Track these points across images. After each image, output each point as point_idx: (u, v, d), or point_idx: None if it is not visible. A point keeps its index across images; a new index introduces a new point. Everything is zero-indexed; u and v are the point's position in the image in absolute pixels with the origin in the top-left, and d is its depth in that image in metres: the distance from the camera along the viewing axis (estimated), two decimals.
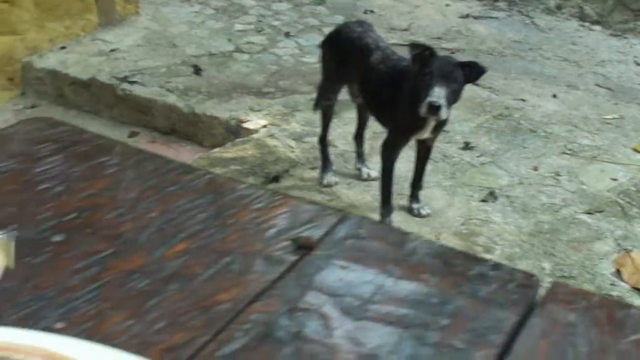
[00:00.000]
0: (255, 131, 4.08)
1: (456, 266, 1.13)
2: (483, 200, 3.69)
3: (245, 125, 4.14)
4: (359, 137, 3.83)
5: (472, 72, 3.24)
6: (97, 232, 1.14)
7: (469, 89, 3.32)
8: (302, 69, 4.64)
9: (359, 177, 3.81)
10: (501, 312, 1.04)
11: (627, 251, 3.34)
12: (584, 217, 3.65)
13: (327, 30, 4.33)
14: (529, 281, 1.10)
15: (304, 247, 1.12)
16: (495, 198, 3.70)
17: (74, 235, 1.13)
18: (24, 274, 1.04)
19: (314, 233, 1.16)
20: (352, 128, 3.82)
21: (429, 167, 3.57)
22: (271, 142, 3.97)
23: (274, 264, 1.10)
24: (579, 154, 4.15)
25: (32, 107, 4.30)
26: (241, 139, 4.07)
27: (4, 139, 1.33)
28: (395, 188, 3.44)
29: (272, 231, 1.16)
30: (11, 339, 0.85)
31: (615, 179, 3.97)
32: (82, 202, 1.19)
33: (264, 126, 4.12)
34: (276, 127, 4.09)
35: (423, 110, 3.14)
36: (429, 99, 3.11)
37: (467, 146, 4.07)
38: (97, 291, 1.03)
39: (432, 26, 5.06)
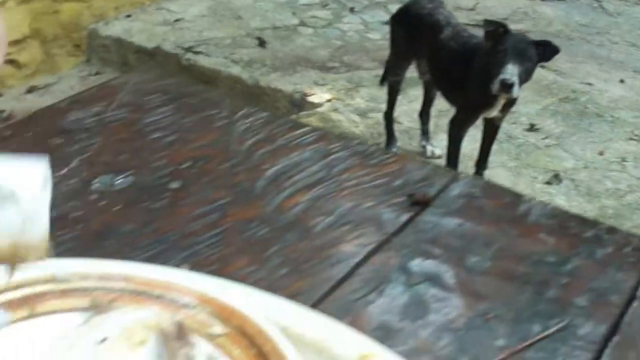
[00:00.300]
0: (320, 105, 4.02)
1: (571, 228, 1.10)
2: (547, 183, 3.59)
3: (309, 99, 4.08)
4: (424, 114, 3.75)
5: (546, 51, 3.15)
6: (213, 181, 1.12)
7: (535, 71, 3.22)
8: (366, 45, 4.57)
9: (423, 154, 3.73)
10: (619, 274, 1.00)
11: None
12: None
13: (392, 7, 4.27)
14: None
15: (419, 203, 1.09)
16: (560, 181, 3.61)
17: (191, 183, 1.11)
18: (143, 218, 1.03)
19: (428, 191, 1.12)
20: (417, 105, 3.75)
21: (493, 147, 3.48)
22: (335, 116, 3.92)
23: (390, 218, 1.07)
24: None
25: (97, 74, 4.28)
26: (305, 113, 4.01)
27: (113, 89, 1.31)
28: (459, 167, 3.36)
29: (386, 187, 1.13)
30: (169, 278, 0.82)
31: None
32: (195, 152, 1.17)
33: (328, 100, 4.06)
34: (340, 101, 4.04)
35: (495, 87, 3.04)
36: (501, 76, 3.01)
37: (532, 128, 3.98)
38: (218, 237, 1.01)
39: (498, 7, 4.96)
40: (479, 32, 3.33)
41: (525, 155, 3.74)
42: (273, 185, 1.11)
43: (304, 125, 1.27)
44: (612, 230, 1.10)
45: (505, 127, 3.50)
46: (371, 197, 1.12)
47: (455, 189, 1.15)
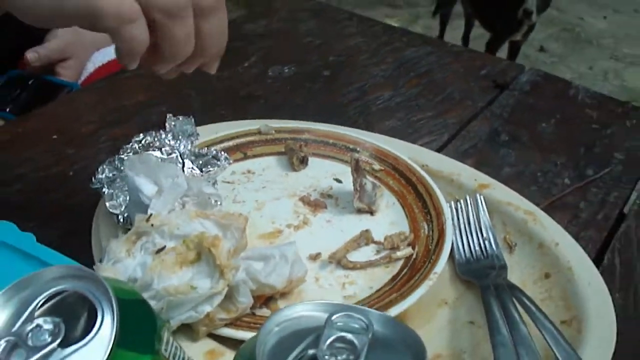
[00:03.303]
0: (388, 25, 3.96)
1: (607, 104, 1.12)
2: None
3: None
4: (465, 37, 3.68)
5: None
6: (352, 71, 1.10)
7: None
8: None
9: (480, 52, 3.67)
10: None
11: None
12: None
13: None
14: None
15: (500, 86, 1.07)
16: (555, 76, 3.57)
17: (338, 72, 1.09)
18: (305, 96, 1.02)
19: (505, 78, 1.10)
20: (460, 32, 3.66)
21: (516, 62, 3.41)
22: None
23: (481, 95, 1.05)
24: (622, 59, 3.97)
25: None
26: None
27: (272, 9, 1.28)
28: None
29: (477, 74, 1.11)
30: (339, 131, 0.83)
31: None
32: (338, 52, 1.15)
33: None
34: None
35: (520, 14, 3.01)
36: (525, 6, 2.98)
37: (542, 49, 3.95)
38: (365, 108, 0.99)
39: None
40: None
41: (537, 69, 3.66)
42: (394, 74, 1.10)
43: (411, 33, 1.25)
44: (636, 108, 1.10)
45: (523, 48, 3.44)
46: (470, 81, 1.12)
47: (524, 77, 1.13)
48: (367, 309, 0.42)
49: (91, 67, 1.22)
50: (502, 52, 3.35)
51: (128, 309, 0.40)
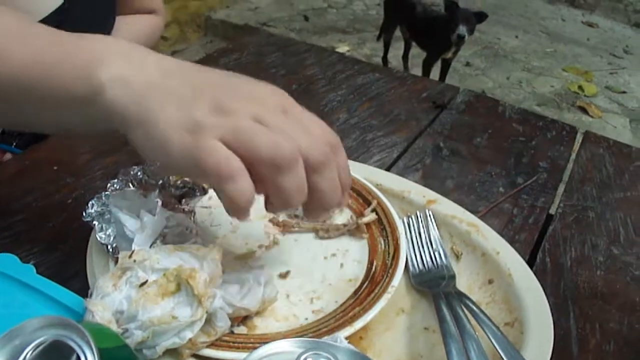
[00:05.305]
0: (342, 54, 3.91)
1: (530, 119, 1.08)
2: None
3: (336, 49, 3.97)
4: (405, 56, 3.64)
5: (481, 17, 3.08)
6: (313, 97, 1.04)
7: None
8: (368, 18, 4.45)
9: (421, 77, 3.67)
10: (561, 147, 1.01)
11: None
12: (536, 107, 3.54)
13: None
14: None
15: (440, 106, 1.02)
16: (485, 94, 3.56)
17: (299, 99, 1.03)
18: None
19: (444, 98, 1.05)
20: (401, 52, 3.63)
21: (447, 76, 3.43)
22: None
23: (425, 115, 1.00)
24: (532, 70, 3.98)
25: (211, 41, 4.17)
26: None
27: (240, 45, 1.22)
28: None
29: (418, 97, 1.06)
30: None
31: (552, 86, 3.81)
32: (299, 81, 1.09)
33: (348, 50, 3.96)
34: (354, 51, 3.95)
35: (454, 38, 3.04)
36: (458, 32, 3.01)
37: (468, 64, 3.93)
38: None
39: None
40: (436, 9, 3.35)
41: (464, 80, 3.73)
42: (348, 99, 1.05)
43: (361, 62, 1.19)
44: (554, 121, 1.06)
45: (452, 64, 3.43)
46: (413, 103, 1.06)
47: (459, 97, 1.08)
48: (335, 344, 0.38)
49: None
50: (436, 67, 3.35)
51: (109, 356, 0.37)
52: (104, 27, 1.20)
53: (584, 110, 3.53)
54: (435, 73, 3.38)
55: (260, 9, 4.52)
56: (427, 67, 3.32)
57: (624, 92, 3.81)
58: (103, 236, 0.61)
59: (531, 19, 4.87)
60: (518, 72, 3.95)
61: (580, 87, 3.78)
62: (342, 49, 3.98)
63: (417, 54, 3.50)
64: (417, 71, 3.44)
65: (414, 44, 3.48)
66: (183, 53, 3.95)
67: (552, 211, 0.83)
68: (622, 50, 4.45)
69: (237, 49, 1.20)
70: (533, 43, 4.41)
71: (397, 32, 3.56)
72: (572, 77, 3.92)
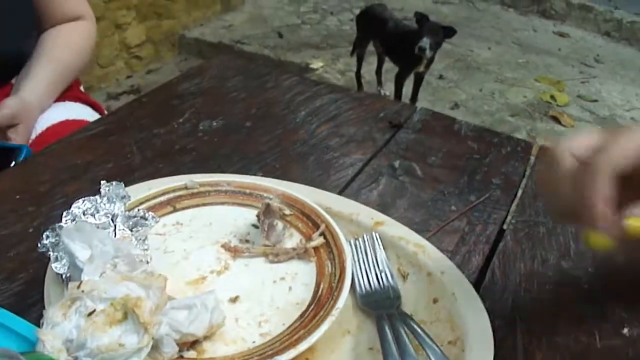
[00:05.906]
0: (316, 69, 3.95)
1: (485, 136, 1.11)
2: (451, 108, 3.61)
3: (310, 66, 4.01)
4: (378, 71, 3.67)
5: (449, 31, 3.14)
6: (272, 120, 1.06)
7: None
8: (342, 34, 4.48)
9: (379, 95, 3.69)
10: (516, 163, 1.02)
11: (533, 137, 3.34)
12: (509, 118, 3.57)
13: (356, 10, 4.20)
14: None
15: (396, 126, 1.05)
16: (458, 107, 3.62)
17: (259, 123, 1.05)
18: (231, 147, 0.98)
19: (400, 118, 1.08)
20: (374, 67, 3.67)
21: (420, 89, 3.47)
22: (326, 75, 3.85)
23: (381, 134, 1.03)
24: (505, 82, 4.03)
25: (185, 59, 4.19)
26: (308, 75, 3.94)
27: (205, 68, 1.25)
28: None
29: (375, 117, 1.09)
30: (254, 182, 0.79)
31: (525, 96, 3.85)
32: (259, 103, 1.11)
33: (322, 66, 3.99)
34: (328, 66, 3.97)
35: (415, 50, 3.08)
36: (419, 44, 3.06)
37: (441, 77, 3.96)
38: (278, 154, 0.96)
39: (416, 8, 4.82)
40: (408, 23, 3.36)
41: (438, 93, 3.76)
42: (306, 120, 1.07)
43: (321, 83, 1.22)
44: (509, 137, 1.09)
45: (425, 77, 3.46)
46: (370, 123, 1.09)
47: (416, 116, 1.11)
48: None
49: (39, 128, 1.17)
50: (410, 81, 3.39)
51: None
52: (25, 39, 1.21)
53: (556, 119, 3.59)
54: (408, 87, 3.43)
55: (233, 27, 4.54)
56: (399, 82, 3.35)
57: (596, 101, 3.88)
58: (58, 266, 0.63)
59: (503, 30, 4.92)
60: (491, 84, 3.99)
61: (552, 97, 3.84)
62: (316, 64, 4.01)
63: (391, 68, 3.53)
64: (391, 85, 3.48)
65: (387, 58, 3.53)
66: (158, 72, 3.97)
67: (504, 227, 0.85)
68: (593, 59, 4.53)
69: (198, 73, 1.23)
70: (505, 54, 4.46)
71: (371, 47, 3.60)
72: (544, 87, 3.98)
